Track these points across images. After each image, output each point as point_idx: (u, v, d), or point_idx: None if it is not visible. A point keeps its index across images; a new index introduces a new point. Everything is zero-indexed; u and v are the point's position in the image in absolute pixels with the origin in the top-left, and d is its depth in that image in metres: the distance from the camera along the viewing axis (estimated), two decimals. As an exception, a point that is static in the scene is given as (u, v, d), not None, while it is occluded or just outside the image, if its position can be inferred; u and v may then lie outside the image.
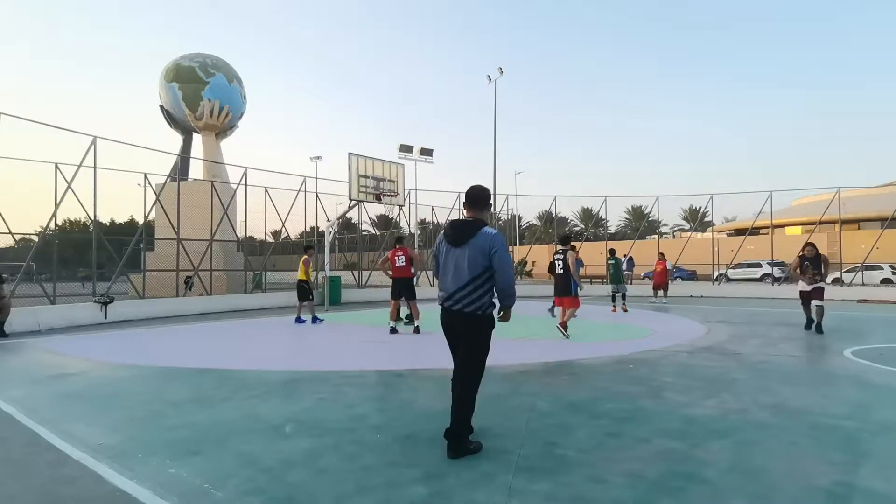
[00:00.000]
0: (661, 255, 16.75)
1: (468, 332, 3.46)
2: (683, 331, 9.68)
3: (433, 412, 4.32)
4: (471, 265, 3.41)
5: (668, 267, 16.78)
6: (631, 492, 2.77)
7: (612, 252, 14.82)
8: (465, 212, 3.70)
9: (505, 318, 3.61)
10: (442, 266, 3.60)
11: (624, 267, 15.28)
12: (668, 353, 7.28)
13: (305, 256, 11.47)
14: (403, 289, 9.50)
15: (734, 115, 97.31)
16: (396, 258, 9.57)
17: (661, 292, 16.51)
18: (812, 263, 9.18)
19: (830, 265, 12.43)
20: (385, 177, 15.88)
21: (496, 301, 3.51)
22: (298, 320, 11.32)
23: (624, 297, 14.02)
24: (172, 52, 38.61)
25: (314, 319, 11.31)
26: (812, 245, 9.32)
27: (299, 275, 11.42)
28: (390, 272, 9.60)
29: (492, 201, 3.55)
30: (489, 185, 24.75)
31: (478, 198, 3.59)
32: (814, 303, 9.15)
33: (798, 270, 9.36)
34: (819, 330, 9.01)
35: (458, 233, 3.52)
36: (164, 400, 4.82)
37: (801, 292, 9.52)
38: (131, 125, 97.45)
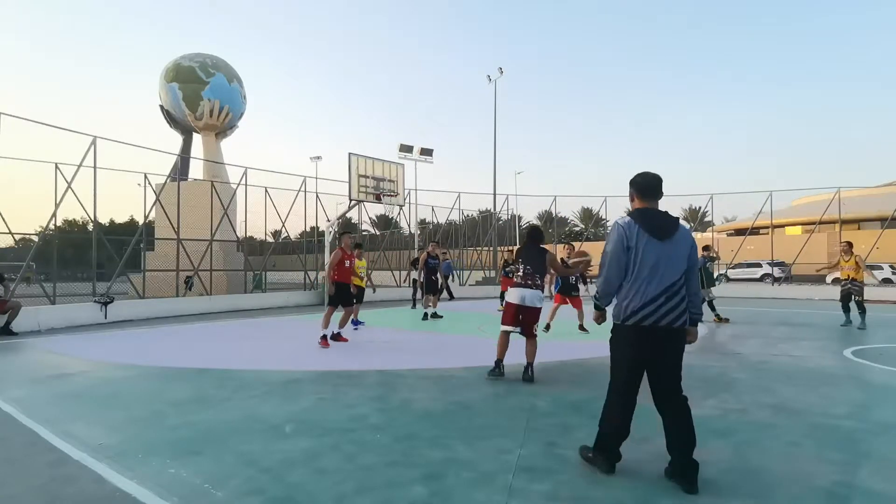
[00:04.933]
0: None
1: (673, 350, 2.93)
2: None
3: (433, 412, 4.33)
4: (675, 264, 2.82)
5: None
6: (631, 492, 2.77)
7: None
8: (632, 203, 3.03)
9: (694, 337, 3.09)
10: (649, 265, 2.82)
11: None
12: (668, 353, 7.26)
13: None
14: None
15: (734, 114, 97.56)
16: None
17: None
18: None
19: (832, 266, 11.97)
20: (385, 177, 15.88)
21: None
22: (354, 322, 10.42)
23: None
24: (172, 52, 38.65)
25: (354, 322, 10.21)
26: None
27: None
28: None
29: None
30: (489, 186, 24.73)
31: (657, 185, 2.96)
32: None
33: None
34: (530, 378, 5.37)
35: (665, 223, 2.86)
36: (165, 400, 4.81)
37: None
38: (131, 125, 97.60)
